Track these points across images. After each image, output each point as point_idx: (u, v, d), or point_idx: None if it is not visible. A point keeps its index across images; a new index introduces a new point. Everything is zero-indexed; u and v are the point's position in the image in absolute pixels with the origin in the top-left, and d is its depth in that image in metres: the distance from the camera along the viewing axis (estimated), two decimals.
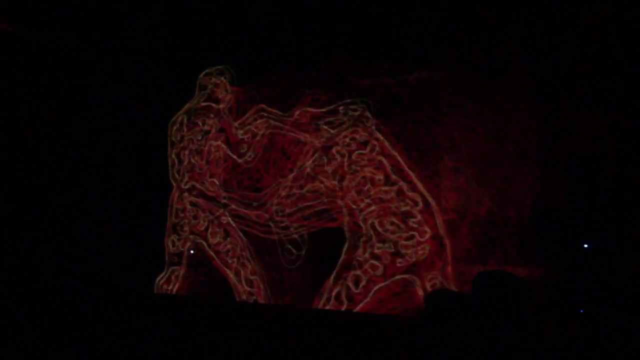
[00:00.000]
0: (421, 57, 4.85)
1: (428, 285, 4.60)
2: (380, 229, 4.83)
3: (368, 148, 4.97)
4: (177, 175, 6.17)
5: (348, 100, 5.12)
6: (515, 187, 4.45)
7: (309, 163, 5.25)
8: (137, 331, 4.88)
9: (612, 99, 4.20)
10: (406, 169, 4.83)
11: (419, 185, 4.76)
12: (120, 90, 6.20)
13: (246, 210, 5.61)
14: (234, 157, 5.72)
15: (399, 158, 4.88)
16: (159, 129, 6.32)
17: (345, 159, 5.04)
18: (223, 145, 5.81)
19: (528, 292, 1.87)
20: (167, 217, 6.23)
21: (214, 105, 5.95)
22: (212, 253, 5.83)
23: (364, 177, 4.96)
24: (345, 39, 5.09)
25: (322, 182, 5.15)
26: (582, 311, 3.83)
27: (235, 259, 5.67)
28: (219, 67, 5.95)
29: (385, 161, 4.90)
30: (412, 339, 1.82)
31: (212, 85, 5.96)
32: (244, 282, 5.59)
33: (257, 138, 5.56)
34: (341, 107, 5.15)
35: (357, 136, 5.03)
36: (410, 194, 4.79)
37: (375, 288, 4.82)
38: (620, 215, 4.00)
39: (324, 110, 5.24)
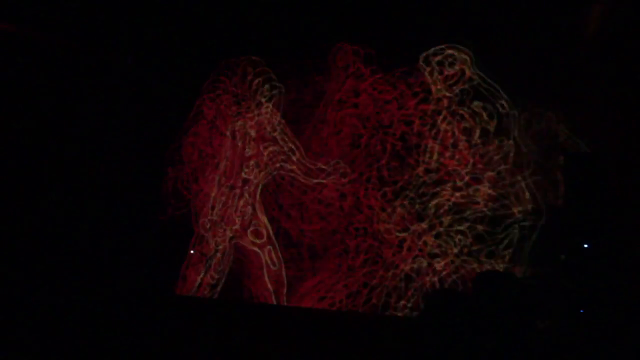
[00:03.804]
0: None
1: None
2: None
3: None
4: None
5: None
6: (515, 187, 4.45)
7: None
8: (140, 330, 4.89)
9: (613, 99, 4.20)
10: None
11: None
12: (118, 89, 6.19)
13: None
14: None
15: None
16: (156, 127, 6.35)
17: None
18: None
19: (527, 292, 1.87)
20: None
21: None
22: None
23: None
24: None
25: None
26: (582, 311, 3.82)
27: None
28: None
29: None
30: (412, 339, 1.82)
31: None
32: None
33: None
34: None
35: None
36: None
37: None
38: (620, 215, 3.99)
39: None
